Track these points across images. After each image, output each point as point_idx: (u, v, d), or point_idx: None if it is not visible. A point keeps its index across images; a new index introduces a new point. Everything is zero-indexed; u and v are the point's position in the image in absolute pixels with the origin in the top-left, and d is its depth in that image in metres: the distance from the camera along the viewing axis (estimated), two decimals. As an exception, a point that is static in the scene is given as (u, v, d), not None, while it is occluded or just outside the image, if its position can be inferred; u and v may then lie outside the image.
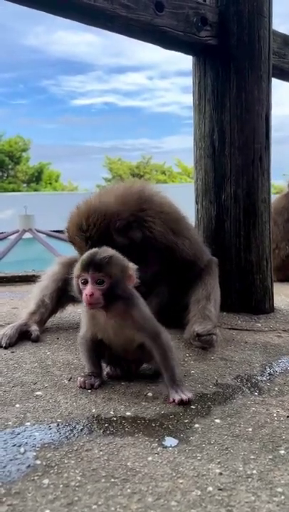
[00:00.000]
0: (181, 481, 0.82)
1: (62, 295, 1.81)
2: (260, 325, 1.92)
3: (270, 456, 0.92)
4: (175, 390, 1.15)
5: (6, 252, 7.90)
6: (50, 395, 1.18)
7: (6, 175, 23.76)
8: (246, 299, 2.01)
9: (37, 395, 1.18)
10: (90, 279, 1.13)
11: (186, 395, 1.14)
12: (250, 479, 0.84)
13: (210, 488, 0.80)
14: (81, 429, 1.00)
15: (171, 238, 1.66)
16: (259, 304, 2.02)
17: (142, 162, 28.56)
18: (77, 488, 0.79)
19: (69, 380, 1.28)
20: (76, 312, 2.07)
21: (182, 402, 1.13)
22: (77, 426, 1.02)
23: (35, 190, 21.76)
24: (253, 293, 2.01)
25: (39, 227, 9.55)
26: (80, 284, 1.15)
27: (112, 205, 1.62)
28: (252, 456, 0.91)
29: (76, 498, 0.77)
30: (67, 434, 0.98)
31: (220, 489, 0.80)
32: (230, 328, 1.86)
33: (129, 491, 0.79)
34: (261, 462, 0.89)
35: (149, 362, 1.28)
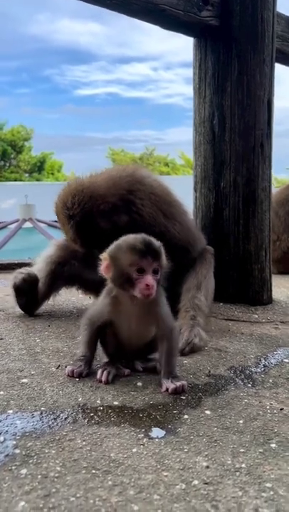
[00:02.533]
0: (165, 473, 0.78)
1: (56, 278, 1.78)
2: (257, 316, 1.88)
3: (261, 450, 0.88)
4: (170, 380, 1.12)
5: (5, 241, 7.86)
6: (36, 382, 1.14)
7: (8, 164, 23.63)
8: (244, 290, 1.96)
9: (22, 383, 1.14)
10: (148, 268, 1.07)
11: (180, 382, 1.11)
12: (238, 473, 0.80)
13: (195, 482, 0.76)
14: (65, 418, 0.96)
15: (161, 221, 1.61)
16: (257, 295, 1.98)
17: (145, 153, 28.40)
18: (55, 479, 0.76)
19: (57, 368, 1.24)
20: (70, 300, 2.04)
21: (175, 391, 1.09)
22: (61, 415, 0.98)
23: (38, 180, 21.67)
24: (251, 283, 1.97)
25: (40, 217, 9.50)
26: (135, 273, 1.07)
27: (101, 187, 1.58)
28: (241, 450, 0.87)
29: (54, 490, 0.73)
30: (50, 423, 0.94)
31: (206, 483, 0.76)
32: (226, 319, 1.82)
33: (110, 483, 0.75)
34: (251, 456, 0.85)
35: (150, 354, 1.24)
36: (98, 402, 1.05)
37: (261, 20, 1.89)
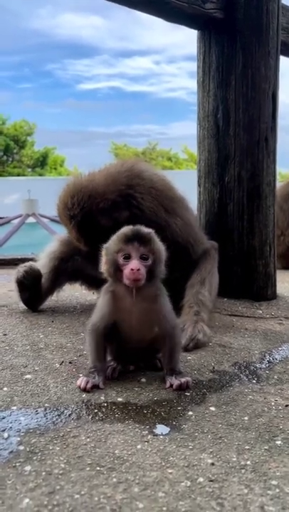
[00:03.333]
0: (170, 470, 0.78)
1: (59, 274, 1.78)
2: (261, 312, 1.87)
3: (266, 447, 0.87)
4: (174, 376, 1.11)
5: (8, 236, 7.86)
6: (40, 378, 1.14)
7: (11, 159, 23.61)
8: (248, 285, 1.95)
9: (26, 379, 1.14)
10: (134, 253, 1.05)
11: (184, 378, 1.10)
12: (243, 470, 0.79)
13: (200, 479, 0.76)
14: (69, 415, 0.96)
15: (162, 216, 1.60)
16: (261, 290, 1.97)
17: (148, 148, 28.29)
18: (60, 476, 0.75)
19: (60, 364, 1.23)
20: (73, 296, 2.04)
21: (180, 388, 1.08)
22: (65, 411, 0.97)
23: (40, 175, 21.66)
24: (255, 279, 1.95)
25: (43, 212, 9.49)
26: (121, 259, 1.06)
27: (100, 185, 1.57)
28: (246, 447, 0.87)
29: (58, 487, 0.73)
30: (54, 419, 0.94)
31: (211, 480, 0.76)
32: (230, 315, 1.81)
33: (114, 480, 0.75)
34: (256, 453, 0.85)
35: (156, 354, 1.22)
36: (102, 398, 1.04)
37: (266, 12, 1.87)
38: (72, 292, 2.04)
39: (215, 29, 1.89)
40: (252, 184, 1.90)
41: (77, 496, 0.70)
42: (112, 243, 1.10)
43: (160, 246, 1.11)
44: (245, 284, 1.95)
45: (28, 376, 1.15)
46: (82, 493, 0.71)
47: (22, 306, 1.79)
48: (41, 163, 23.87)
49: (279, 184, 2.64)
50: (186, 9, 1.77)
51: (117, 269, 1.08)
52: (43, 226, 8.31)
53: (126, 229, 1.11)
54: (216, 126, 1.92)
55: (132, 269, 1.04)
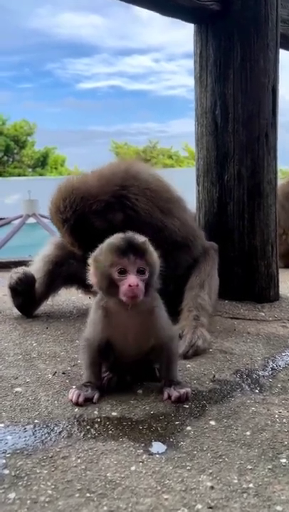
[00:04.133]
0: (166, 496, 0.72)
1: (54, 278, 1.72)
2: (263, 314, 1.80)
3: (270, 466, 0.81)
4: (173, 387, 1.05)
5: (9, 237, 7.81)
6: (30, 391, 1.08)
7: (11, 159, 23.57)
8: (249, 286, 1.89)
9: (16, 392, 1.08)
10: (131, 268, 0.96)
11: (183, 389, 1.04)
12: (245, 495, 0.73)
13: (198, 506, 0.70)
14: (59, 432, 0.90)
15: (158, 217, 1.54)
16: (263, 292, 1.90)
17: (148, 146, 28.17)
18: (46, 505, 0.70)
19: (53, 375, 1.18)
20: (70, 300, 1.98)
21: (179, 400, 1.02)
22: (55, 428, 0.92)
23: (41, 175, 21.61)
24: (257, 280, 1.89)
25: (43, 212, 9.43)
26: (116, 274, 0.97)
27: (93, 186, 1.52)
28: (249, 466, 0.81)
29: (44, 518, 0.67)
30: (44, 437, 0.88)
31: (210, 507, 0.70)
32: (231, 317, 1.75)
33: (105, 508, 0.69)
34: (259, 473, 0.79)
35: (152, 365, 1.15)
36: (96, 412, 0.98)
37: (265, 3, 1.80)
38: (69, 297, 1.98)
39: (212, 22, 1.83)
40: (252, 182, 1.84)
41: (63, 528, 0.65)
42: (104, 255, 1.01)
43: (155, 255, 1.02)
44: (246, 286, 1.89)
45: (19, 389, 1.10)
46: (70, 524, 0.66)
47: (16, 311, 1.74)
48: (42, 163, 23.82)
49: (280, 182, 2.57)
50: (181, 2, 1.70)
51: (110, 284, 0.99)
52: (44, 226, 8.25)
53: (117, 239, 1.01)
54: (214, 123, 1.85)
55: (130, 286, 0.96)
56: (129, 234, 1.02)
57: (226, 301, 1.91)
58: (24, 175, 21.43)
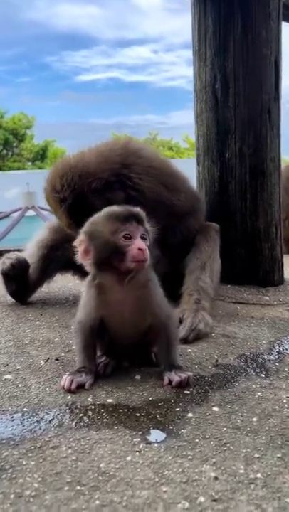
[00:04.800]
0: (165, 488, 0.65)
1: (49, 263, 1.64)
2: (268, 298, 1.73)
3: (279, 454, 0.74)
4: (173, 372, 0.98)
5: (9, 229, 7.74)
6: (20, 378, 1.01)
7: (10, 153, 23.39)
8: (253, 270, 1.81)
9: (5, 379, 1.01)
10: (136, 233, 0.95)
11: (184, 374, 0.97)
12: (252, 486, 0.66)
13: (201, 499, 0.63)
14: (50, 421, 0.83)
15: (164, 194, 1.48)
16: (267, 275, 1.82)
17: (148, 138, 27.98)
18: (31, 500, 0.63)
19: (46, 361, 1.11)
20: (66, 287, 1.91)
21: (180, 385, 0.96)
22: (45, 416, 0.85)
23: (40, 168, 21.45)
24: (261, 263, 1.81)
25: (43, 205, 9.35)
26: (122, 240, 0.94)
27: (91, 164, 1.43)
28: (256, 455, 0.74)
29: (28, 514, 0.60)
30: (32, 426, 0.81)
31: (214, 500, 0.63)
32: (234, 302, 1.68)
33: (97, 502, 0.62)
34: (267, 462, 0.72)
35: (150, 349, 1.09)
36: (89, 400, 0.91)
37: None
38: (65, 283, 1.91)
39: (210, -9, 1.73)
40: (255, 160, 1.75)
41: (49, 526, 0.58)
42: (103, 226, 0.97)
43: (150, 226, 1.00)
44: (249, 269, 1.81)
45: (8, 376, 1.03)
46: (57, 521, 0.59)
47: (10, 298, 1.66)
48: (41, 156, 23.64)
49: (283, 165, 2.48)
50: None
51: (114, 253, 0.94)
52: (43, 219, 8.17)
53: (116, 208, 0.99)
54: (214, 98, 1.76)
55: (139, 249, 0.92)
56: (123, 205, 1.00)
57: (229, 286, 1.83)
58: (24, 168, 21.28)
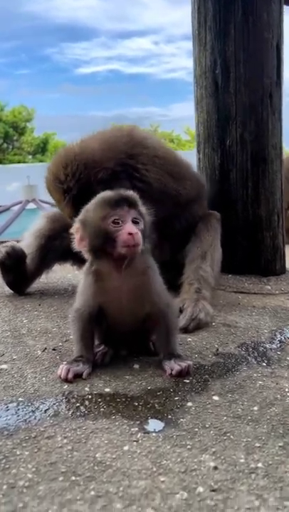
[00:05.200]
0: (163, 478, 0.63)
1: (47, 253, 1.62)
2: (269, 287, 1.70)
3: (281, 444, 0.72)
4: (173, 360, 0.96)
5: (9, 222, 7.71)
6: (16, 368, 0.99)
7: (11, 147, 23.30)
8: (254, 259, 1.78)
9: (1, 369, 0.99)
10: (127, 217, 0.91)
11: (184, 363, 0.95)
12: (253, 475, 0.64)
13: (200, 489, 0.61)
14: (45, 410, 0.81)
15: (171, 185, 1.46)
16: (269, 265, 1.79)
17: (149, 131, 27.81)
18: (24, 490, 0.61)
19: (43, 351, 1.09)
20: (65, 278, 1.88)
21: (180, 374, 0.93)
22: (41, 406, 0.83)
23: (41, 161, 21.35)
24: (262, 252, 1.78)
25: (43, 198, 9.31)
26: (111, 226, 0.91)
27: (95, 152, 1.38)
28: (257, 444, 0.72)
29: (21, 505, 0.58)
30: (27, 416, 0.79)
31: (213, 490, 0.61)
32: (235, 292, 1.65)
33: (92, 493, 0.60)
34: (269, 452, 0.70)
35: (148, 337, 1.07)
36: (86, 389, 0.89)
37: None
38: (64, 274, 1.89)
39: (210, -28, 1.68)
40: (256, 147, 1.72)
41: (43, 517, 0.56)
42: (96, 210, 0.95)
43: (145, 210, 0.97)
44: (251, 258, 1.78)
45: (4, 366, 1.01)
46: (50, 512, 0.57)
47: (8, 289, 1.64)
48: (42, 149, 23.53)
49: (285, 155, 2.43)
50: None
51: (105, 240, 0.92)
52: (44, 212, 8.15)
53: (107, 193, 0.96)
54: (214, 84, 1.72)
55: (130, 234, 0.89)
56: (118, 189, 0.96)
57: (230, 276, 1.80)
58: (24, 162, 21.20)
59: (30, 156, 23.18)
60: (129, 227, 0.90)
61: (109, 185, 1.34)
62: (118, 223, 0.91)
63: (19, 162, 20.69)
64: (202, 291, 1.41)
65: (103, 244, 0.92)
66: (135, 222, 0.92)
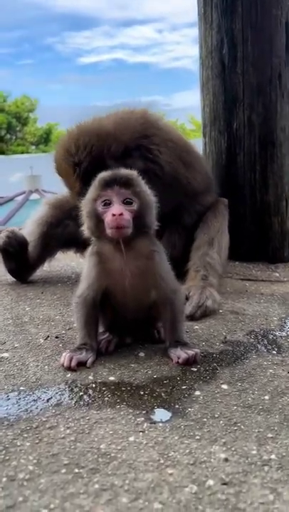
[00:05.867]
0: (170, 471, 0.60)
1: (49, 241, 1.58)
2: (278, 275, 1.66)
3: (294, 434, 0.68)
4: (179, 348, 0.93)
5: (13, 213, 7.70)
6: (18, 357, 0.96)
7: (14, 137, 23.20)
8: (262, 246, 1.73)
9: (2, 357, 0.96)
10: (115, 198, 0.88)
11: (191, 350, 0.92)
12: (266, 468, 0.61)
13: (210, 482, 0.58)
14: (47, 400, 0.78)
15: (182, 172, 1.41)
16: (277, 251, 1.75)
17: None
18: (25, 483, 0.58)
19: (45, 339, 1.05)
20: (69, 266, 1.85)
21: (187, 362, 0.90)
22: (43, 395, 0.79)
23: (44, 152, 21.26)
24: (270, 238, 1.74)
25: (47, 188, 9.28)
26: (100, 207, 0.88)
27: (109, 127, 1.33)
28: (269, 435, 0.68)
29: (21, 499, 0.55)
30: (29, 406, 0.76)
31: (224, 483, 0.57)
32: (242, 279, 1.61)
33: (96, 486, 0.57)
34: (282, 442, 0.66)
35: (154, 325, 1.03)
36: (90, 378, 0.86)
37: None
38: (68, 262, 1.85)
39: None
40: (264, 130, 1.66)
41: (44, 512, 0.53)
42: (89, 192, 0.92)
43: (146, 190, 0.92)
44: (258, 245, 1.73)
45: (5, 354, 0.97)
46: (52, 506, 0.53)
47: (10, 277, 1.61)
48: (45, 139, 23.39)
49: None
50: None
51: (97, 222, 0.89)
52: (47, 202, 8.11)
53: (102, 174, 0.92)
54: (221, 64, 1.66)
55: (113, 215, 0.85)
56: (117, 168, 0.93)
57: (237, 263, 1.76)
58: (27, 152, 21.12)
59: (33, 147, 23.07)
60: (115, 208, 0.86)
61: (123, 161, 1.28)
62: (108, 204, 0.88)
63: (22, 153, 20.60)
64: (209, 278, 1.37)
65: (96, 225, 0.90)
66: (128, 202, 0.88)
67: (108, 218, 0.86)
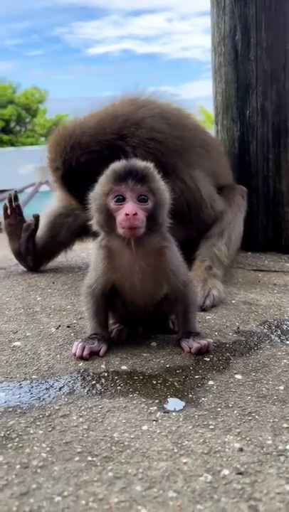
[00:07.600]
0: (185, 460, 0.59)
1: (60, 230, 1.59)
2: (291, 265, 1.64)
3: (310, 425, 0.67)
4: (192, 338, 0.92)
5: (23, 204, 7.70)
6: (30, 345, 0.96)
7: (23, 129, 23.21)
8: (275, 236, 1.71)
9: (14, 346, 0.96)
10: (129, 194, 0.83)
11: (204, 340, 0.90)
12: (282, 458, 0.60)
13: (225, 472, 0.57)
14: (60, 388, 0.78)
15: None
16: (290, 242, 1.73)
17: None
18: (39, 471, 0.57)
19: (57, 328, 1.05)
20: (79, 256, 1.84)
21: (199, 351, 0.89)
22: (55, 384, 0.79)
23: (54, 143, 21.24)
24: (284, 229, 1.71)
25: (57, 180, 9.26)
26: (112, 203, 0.84)
27: (87, 133, 1.28)
28: (285, 425, 0.67)
29: (34, 486, 0.55)
30: (41, 394, 0.76)
31: (239, 473, 0.57)
32: (255, 270, 1.59)
33: (110, 474, 0.56)
34: (298, 433, 0.65)
35: (167, 316, 1.02)
36: (103, 366, 0.86)
37: None
38: (78, 252, 1.85)
39: None
40: (278, 118, 1.63)
41: (58, 499, 0.52)
42: (100, 185, 0.87)
43: (162, 186, 0.87)
44: (271, 236, 1.72)
45: (17, 343, 0.97)
46: (66, 494, 0.53)
47: (22, 268, 1.62)
48: (54, 131, 23.38)
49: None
50: None
51: (108, 218, 0.85)
52: (57, 193, 8.10)
53: (116, 164, 0.86)
54: (233, 51, 1.63)
55: (126, 214, 0.81)
56: (133, 160, 0.87)
57: (249, 253, 1.75)
58: (37, 144, 21.11)
59: (42, 138, 23.05)
60: (128, 206, 0.81)
61: (95, 169, 1.22)
62: (121, 200, 0.83)
63: (32, 144, 20.59)
64: (213, 269, 1.35)
65: (106, 221, 0.85)
66: (142, 200, 0.83)
67: (121, 217, 0.82)
